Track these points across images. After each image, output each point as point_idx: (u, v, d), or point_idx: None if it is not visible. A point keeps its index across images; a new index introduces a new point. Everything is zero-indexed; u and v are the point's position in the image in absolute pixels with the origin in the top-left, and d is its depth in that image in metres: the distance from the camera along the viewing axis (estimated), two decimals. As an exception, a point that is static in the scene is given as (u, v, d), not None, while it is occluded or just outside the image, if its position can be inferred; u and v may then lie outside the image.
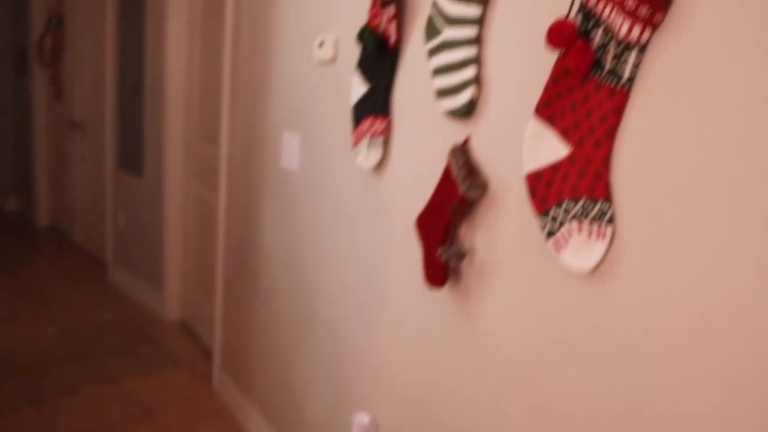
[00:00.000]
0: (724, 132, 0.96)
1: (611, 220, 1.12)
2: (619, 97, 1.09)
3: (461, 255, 1.42)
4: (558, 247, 1.19)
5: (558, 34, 1.11)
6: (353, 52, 1.82)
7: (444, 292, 1.51)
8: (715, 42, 0.97)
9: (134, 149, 3.89)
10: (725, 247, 0.96)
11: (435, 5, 1.45)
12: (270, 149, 2.33)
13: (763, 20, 0.91)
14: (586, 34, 1.12)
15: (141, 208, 3.89)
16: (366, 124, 1.72)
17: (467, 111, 1.40)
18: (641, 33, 1.04)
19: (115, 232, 4.22)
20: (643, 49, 1.06)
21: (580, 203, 1.16)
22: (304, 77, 2.08)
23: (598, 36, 1.11)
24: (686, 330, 1.02)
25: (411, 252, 1.62)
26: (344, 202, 1.90)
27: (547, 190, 1.21)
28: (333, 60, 1.91)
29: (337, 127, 1.92)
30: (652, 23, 1.02)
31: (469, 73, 1.39)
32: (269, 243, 2.37)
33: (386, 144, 1.69)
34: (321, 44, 1.93)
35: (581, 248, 1.16)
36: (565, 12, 1.20)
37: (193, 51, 3.37)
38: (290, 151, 2.18)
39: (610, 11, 1.08)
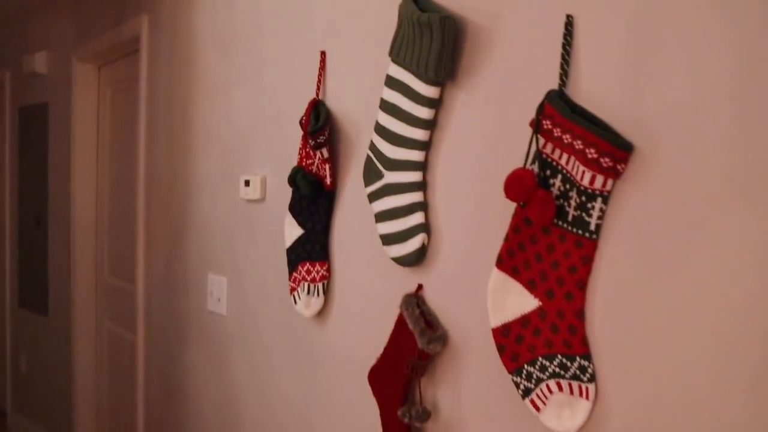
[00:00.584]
0: (701, 275, 0.91)
1: (593, 378, 1.04)
2: (587, 247, 1.04)
3: (425, 415, 1.29)
4: (537, 407, 1.10)
5: (517, 187, 1.05)
6: (282, 191, 1.73)
7: (409, 456, 1.37)
8: (681, 187, 0.93)
9: (37, 284, 3.59)
10: (715, 395, 0.89)
11: (374, 148, 1.39)
12: (194, 291, 2.16)
13: (719, 164, 0.88)
14: (544, 182, 1.07)
15: (46, 349, 3.56)
16: (303, 269, 1.61)
17: (417, 258, 1.32)
18: (604, 183, 1.00)
19: (16, 376, 3.81)
20: (606, 198, 1.01)
21: (557, 359, 1.07)
22: (229, 217, 1.96)
23: (557, 184, 1.06)
24: (695, 501, 0.93)
25: (365, 410, 1.48)
26: (282, 352, 1.75)
27: (518, 345, 1.12)
28: (261, 200, 1.81)
29: (269, 270, 1.79)
30: (614, 173, 0.98)
31: (416, 219, 1.31)
32: (197, 392, 2.16)
33: (327, 290, 1.58)
34: (247, 183, 1.82)
35: (563, 408, 1.07)
36: (507, 158, 1.16)
37: (103, 179, 3.18)
38: (217, 294, 2.02)
39: (567, 159, 1.04)
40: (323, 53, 1.57)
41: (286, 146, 1.72)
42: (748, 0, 0.85)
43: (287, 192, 1.70)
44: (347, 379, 1.54)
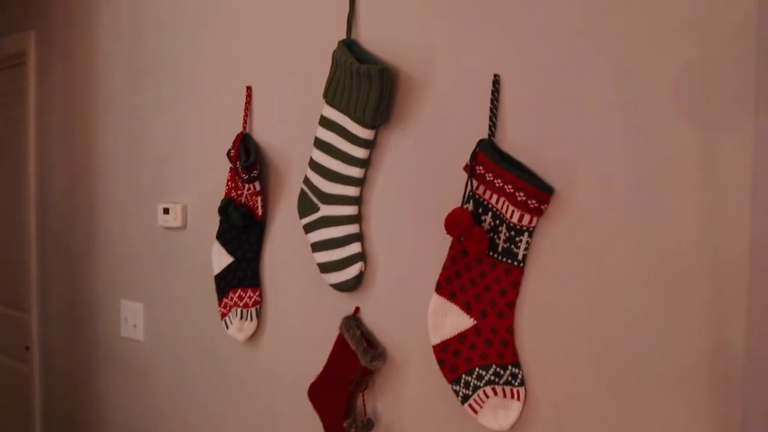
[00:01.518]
0: (601, 298, 1.13)
1: (523, 382, 1.23)
2: (515, 274, 1.22)
3: (370, 425, 1.43)
4: (475, 410, 1.27)
5: (457, 225, 1.22)
6: (204, 219, 1.78)
7: (352, 463, 1.50)
8: (590, 222, 1.14)
9: None
10: (622, 394, 1.11)
11: (308, 182, 1.50)
12: (104, 317, 2.14)
13: (618, 201, 1.09)
14: (477, 219, 1.24)
15: None
16: (235, 295, 1.68)
17: (355, 285, 1.45)
18: (530, 220, 1.18)
19: None
20: (531, 233, 1.20)
21: (492, 369, 1.25)
22: (144, 243, 1.97)
23: (488, 220, 1.24)
24: (611, 479, 1.14)
25: (303, 425, 1.59)
26: (214, 376, 1.80)
27: (456, 358, 1.29)
28: (182, 227, 1.85)
29: (192, 296, 1.84)
30: (539, 212, 1.18)
31: (353, 248, 1.44)
32: (112, 420, 2.14)
33: (260, 314, 1.66)
34: (166, 211, 1.85)
35: (498, 409, 1.25)
36: (437, 194, 1.32)
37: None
38: (132, 321, 2.02)
39: (498, 199, 1.21)
40: (249, 88, 1.65)
41: (207, 176, 1.78)
42: (640, 63, 1.07)
43: (209, 220, 1.76)
44: (284, 398, 1.63)
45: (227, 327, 1.69)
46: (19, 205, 2.65)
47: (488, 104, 1.24)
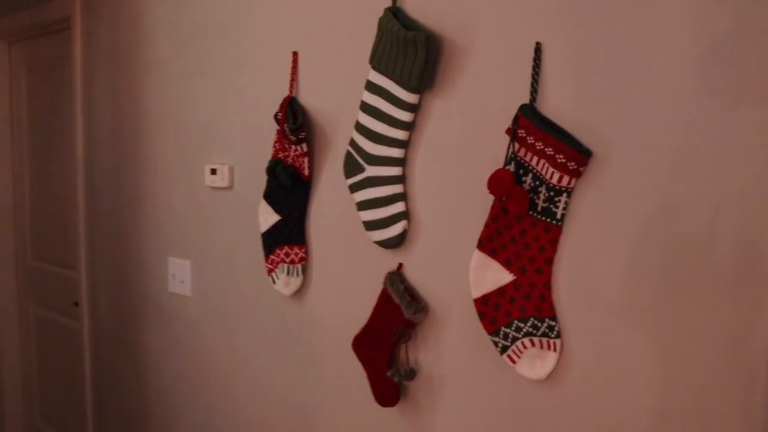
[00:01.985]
0: (633, 254, 1.19)
1: (559, 334, 1.31)
2: (554, 232, 1.29)
3: (413, 374, 1.53)
4: (513, 360, 1.36)
5: (499, 184, 1.29)
6: (251, 179, 1.87)
7: (394, 410, 1.60)
8: (626, 184, 1.20)
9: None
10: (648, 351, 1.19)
11: (354, 144, 1.57)
12: (151, 274, 2.25)
13: (655, 167, 1.15)
14: (518, 180, 1.31)
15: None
16: (282, 252, 1.77)
17: (399, 242, 1.53)
18: (569, 181, 1.25)
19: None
20: (570, 193, 1.27)
21: (530, 321, 1.33)
22: (191, 203, 2.07)
23: (528, 181, 1.31)
24: (635, 422, 1.22)
25: (347, 375, 1.69)
26: (258, 329, 1.91)
27: (496, 311, 1.37)
28: (229, 187, 1.94)
29: (239, 253, 1.94)
30: (577, 174, 1.24)
31: (398, 207, 1.52)
32: (160, 374, 2.27)
33: (306, 270, 1.76)
34: (213, 171, 1.94)
35: (535, 359, 1.33)
36: (478, 156, 1.39)
37: (21, 161, 3.11)
38: (180, 277, 2.13)
39: (538, 161, 1.28)
40: (295, 53, 1.72)
41: (254, 139, 1.85)
42: (683, 31, 1.12)
43: (255, 181, 1.85)
44: (328, 350, 1.73)
45: (274, 282, 1.79)
46: (67, 168, 2.77)
47: (530, 71, 1.30)
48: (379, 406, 1.58)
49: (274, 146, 1.75)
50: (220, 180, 1.93)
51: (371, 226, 1.56)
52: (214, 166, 1.95)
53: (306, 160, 1.69)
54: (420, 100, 1.46)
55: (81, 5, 2.45)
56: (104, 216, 2.44)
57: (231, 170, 1.93)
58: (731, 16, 1.07)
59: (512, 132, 1.30)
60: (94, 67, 2.41)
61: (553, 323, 1.31)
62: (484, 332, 1.40)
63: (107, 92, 2.36)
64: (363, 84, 1.55)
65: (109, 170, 2.39)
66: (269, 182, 1.78)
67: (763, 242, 1.06)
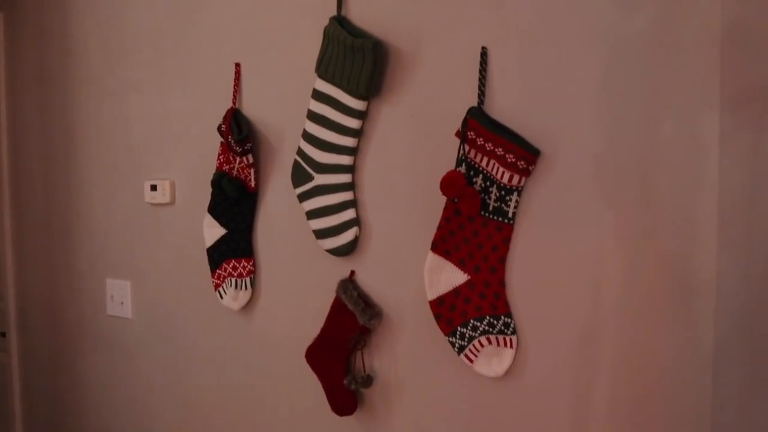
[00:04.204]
0: (585, 250, 1.24)
1: (515, 331, 1.34)
2: (506, 231, 1.33)
3: (369, 380, 1.52)
4: (470, 360, 1.37)
5: (451, 186, 1.31)
6: (193, 194, 1.83)
7: (352, 419, 1.58)
8: (573, 180, 1.25)
9: None
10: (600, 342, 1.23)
11: (302, 153, 1.56)
12: (88, 297, 2.16)
13: (597, 162, 1.21)
14: (469, 181, 1.34)
15: None
16: (229, 266, 1.74)
17: (350, 249, 1.53)
18: (519, 180, 1.29)
19: None
20: (520, 192, 1.30)
21: (486, 320, 1.35)
22: (130, 221, 2.00)
23: (479, 182, 1.34)
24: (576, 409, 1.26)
25: (302, 386, 1.66)
26: (206, 347, 1.86)
27: (452, 312, 1.39)
28: (170, 203, 1.89)
29: (183, 270, 1.89)
30: (527, 172, 1.28)
31: (348, 215, 1.52)
32: (99, 400, 2.17)
33: (254, 283, 1.73)
34: (153, 187, 1.89)
35: (492, 357, 1.36)
36: (427, 161, 1.41)
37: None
38: (119, 298, 2.05)
39: (488, 162, 1.31)
40: (238, 65, 1.70)
41: (195, 152, 1.82)
42: (613, 33, 1.18)
43: (198, 195, 1.81)
44: (281, 362, 1.71)
45: (221, 297, 1.75)
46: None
47: (476, 74, 1.34)
48: (337, 416, 1.56)
49: (219, 159, 1.72)
50: (161, 196, 1.89)
51: (322, 234, 1.56)
52: (154, 182, 1.90)
53: (252, 171, 1.67)
54: (368, 107, 1.48)
55: (4, 22, 2.35)
56: (34, 238, 2.33)
57: (172, 185, 1.88)
58: (650, 17, 1.14)
59: (462, 134, 1.33)
60: (21, 86, 2.32)
61: (509, 320, 1.34)
62: (440, 334, 1.41)
63: (36, 111, 2.27)
64: (309, 93, 1.55)
65: (40, 191, 2.29)
66: (214, 195, 1.75)
67: (693, 250, 1.12)
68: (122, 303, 2.05)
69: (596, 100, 1.21)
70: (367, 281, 1.54)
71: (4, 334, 2.58)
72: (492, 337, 1.35)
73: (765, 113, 1.09)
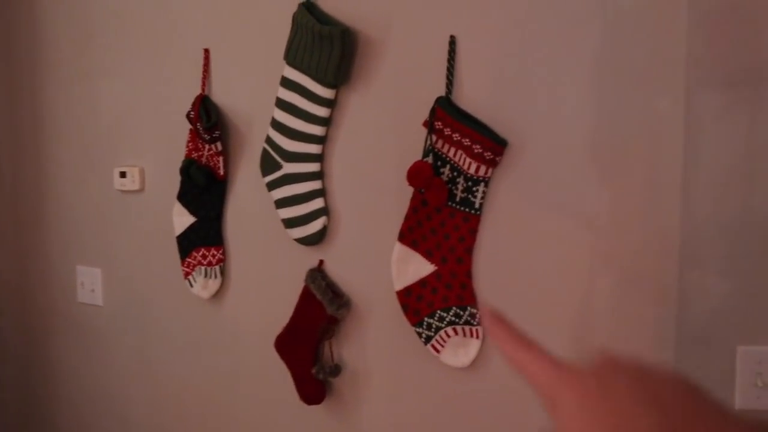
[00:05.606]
0: (551, 241, 1.24)
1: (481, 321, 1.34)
2: (473, 221, 1.32)
3: (338, 370, 1.52)
4: (437, 350, 1.37)
5: (417, 176, 1.30)
6: (163, 181, 1.81)
7: (320, 408, 1.58)
8: (539, 172, 1.25)
9: None
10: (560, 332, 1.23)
11: (270, 141, 1.55)
12: (57, 284, 2.14)
13: (566, 155, 1.21)
14: (436, 171, 1.33)
15: None
16: (198, 254, 1.72)
17: (319, 238, 1.52)
18: (486, 171, 1.28)
19: None
20: (487, 183, 1.30)
21: (452, 310, 1.35)
22: (100, 208, 1.98)
23: (446, 172, 1.33)
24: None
25: (272, 376, 1.66)
26: (175, 335, 1.85)
27: (418, 303, 1.39)
28: (140, 190, 1.86)
29: (153, 257, 1.87)
30: (494, 163, 1.27)
31: (317, 204, 1.51)
32: (71, 388, 2.16)
33: (224, 272, 1.71)
34: (123, 174, 1.87)
35: (459, 347, 1.36)
36: (396, 150, 1.40)
37: None
38: (90, 285, 2.03)
39: (456, 152, 1.30)
40: (207, 51, 1.68)
41: (165, 139, 1.79)
42: (591, 26, 1.17)
43: (167, 182, 1.79)
44: (251, 351, 1.70)
45: (191, 285, 1.74)
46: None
47: (445, 64, 1.32)
48: (305, 405, 1.56)
49: (187, 146, 1.70)
50: (131, 183, 1.86)
51: (290, 223, 1.54)
52: (123, 169, 1.87)
53: (221, 159, 1.65)
54: (336, 95, 1.46)
55: (-31, 2, 2.29)
56: (3, 224, 2.30)
57: (141, 172, 1.86)
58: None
59: (429, 124, 1.32)
60: (-13, 68, 2.27)
61: (475, 311, 1.34)
62: (407, 324, 1.41)
63: (3, 94, 2.22)
64: (278, 80, 1.53)
65: (8, 176, 2.25)
66: (183, 183, 1.73)
67: (664, 241, 1.13)
68: (93, 290, 2.02)
69: (566, 92, 1.21)
70: (336, 271, 1.54)
71: (-26, 321, 2.55)
72: (458, 328, 1.35)
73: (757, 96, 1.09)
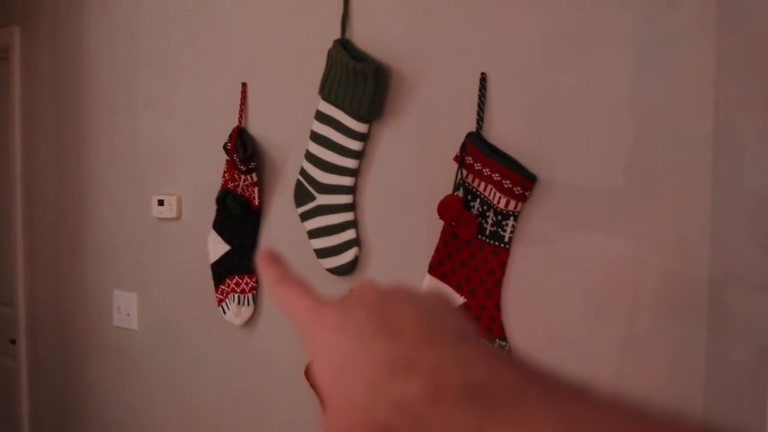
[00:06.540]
0: (581, 275, 1.25)
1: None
2: (502, 255, 1.34)
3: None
4: (465, 383, 1.38)
5: (448, 210, 1.33)
6: (199, 210, 1.86)
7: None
8: (569, 207, 1.26)
9: None
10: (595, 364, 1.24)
11: (305, 173, 1.59)
12: (95, 308, 2.20)
13: (594, 190, 1.22)
14: (466, 205, 1.36)
15: None
16: (232, 282, 1.76)
17: (351, 268, 1.55)
18: (516, 205, 1.30)
19: None
20: (516, 217, 1.32)
21: (481, 343, 1.36)
22: (138, 234, 2.04)
23: (476, 206, 1.35)
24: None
25: (302, 403, 1.68)
26: (208, 360, 1.88)
27: (448, 334, 1.40)
28: (177, 218, 1.92)
29: (187, 284, 1.91)
30: (523, 198, 1.29)
31: (349, 234, 1.54)
32: (103, 408, 2.20)
33: (256, 300, 1.75)
34: (161, 202, 1.92)
35: (486, 381, 1.36)
36: (427, 183, 1.43)
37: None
38: (126, 310, 2.08)
39: (486, 187, 1.33)
40: (244, 84, 1.73)
41: (202, 169, 1.85)
42: (615, 67, 1.19)
43: (204, 211, 1.84)
44: (280, 379, 1.72)
45: (224, 312, 1.78)
46: (3, 201, 2.68)
47: (476, 100, 1.36)
48: (334, 434, 1.57)
49: (224, 176, 1.75)
50: (168, 211, 1.92)
51: (323, 253, 1.58)
52: (161, 197, 1.93)
53: (256, 189, 1.70)
54: (369, 129, 1.50)
55: (21, 35, 2.40)
56: (45, 249, 2.37)
57: (179, 201, 1.92)
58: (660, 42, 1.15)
59: (460, 159, 1.35)
60: (35, 98, 2.37)
61: (504, 343, 1.35)
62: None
63: (49, 124, 2.32)
64: (312, 114, 1.57)
65: (51, 202, 2.33)
66: (219, 212, 1.78)
67: (694, 271, 1.13)
68: (128, 314, 2.08)
69: (595, 127, 1.23)
70: (366, 301, 1.56)
71: (14, 341, 2.63)
72: (487, 360, 1.36)
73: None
